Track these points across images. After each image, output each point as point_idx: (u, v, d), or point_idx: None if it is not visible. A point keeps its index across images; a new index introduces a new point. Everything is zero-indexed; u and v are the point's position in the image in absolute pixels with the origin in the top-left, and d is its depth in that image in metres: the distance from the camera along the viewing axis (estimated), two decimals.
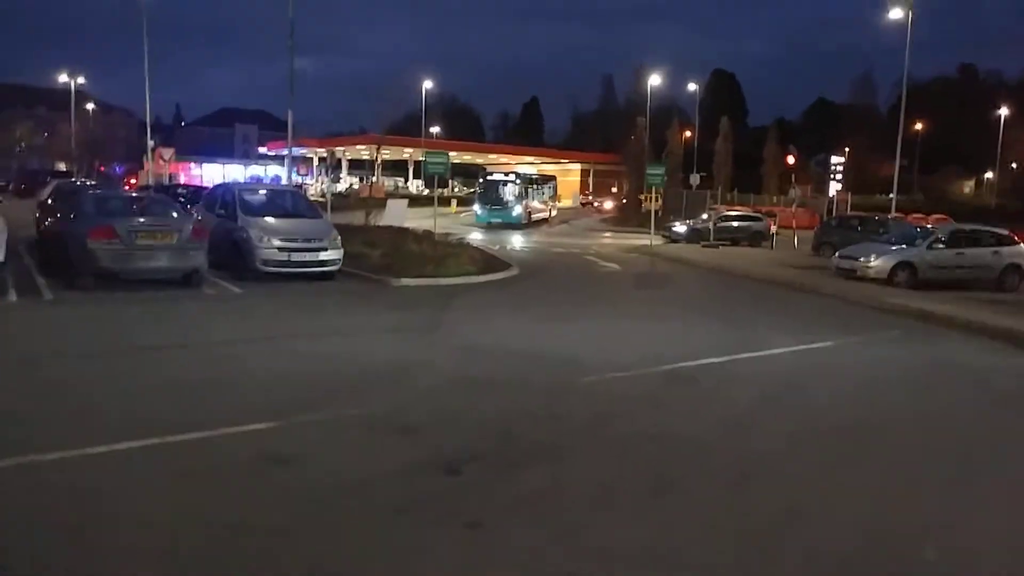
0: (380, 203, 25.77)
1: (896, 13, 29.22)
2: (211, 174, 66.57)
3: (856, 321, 12.28)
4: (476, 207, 37.82)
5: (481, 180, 39.18)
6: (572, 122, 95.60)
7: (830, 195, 42.39)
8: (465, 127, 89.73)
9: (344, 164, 65.94)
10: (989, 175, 61.03)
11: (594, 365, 7.90)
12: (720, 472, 5.11)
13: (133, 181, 37.71)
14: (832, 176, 63.36)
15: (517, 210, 36.40)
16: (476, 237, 25.36)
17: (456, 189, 68.03)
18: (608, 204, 54.74)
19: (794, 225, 29.99)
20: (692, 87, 61.15)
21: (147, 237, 11.07)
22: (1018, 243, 17.56)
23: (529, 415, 6.17)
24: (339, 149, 58.42)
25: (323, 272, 13.44)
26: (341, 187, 55.15)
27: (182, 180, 54.80)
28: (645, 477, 4.97)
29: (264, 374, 7.10)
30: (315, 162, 65.63)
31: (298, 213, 14.45)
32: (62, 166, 58.56)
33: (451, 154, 69.49)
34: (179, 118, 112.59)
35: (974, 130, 62.80)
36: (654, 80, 50.60)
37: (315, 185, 58.93)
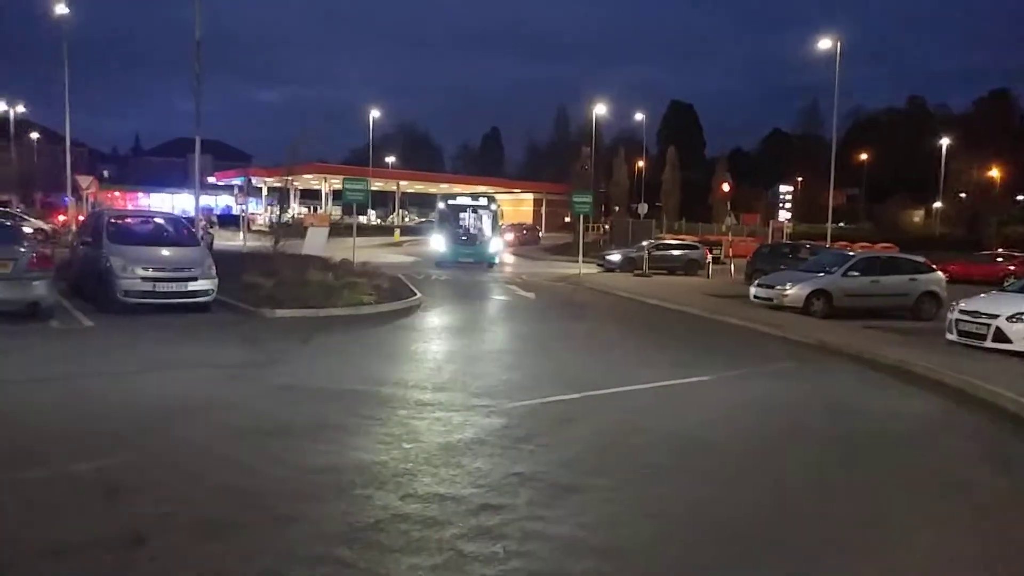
0: (298, 232, 24.90)
1: (825, 43, 29.49)
2: (160, 204, 65.11)
3: (750, 352, 11.71)
4: (436, 242, 28.68)
5: (442, 205, 29.66)
6: (527, 153, 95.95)
7: (771, 225, 42.51)
8: (424, 157, 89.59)
9: (293, 194, 64.95)
10: (938, 204, 61.99)
11: (426, 405, 7.22)
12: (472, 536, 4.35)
13: (62, 218, 36.18)
14: (781, 205, 64.12)
15: (493, 245, 28.21)
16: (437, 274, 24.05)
17: (407, 219, 67.52)
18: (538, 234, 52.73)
19: (730, 254, 29.79)
20: (639, 116, 61.29)
21: None
22: (935, 271, 17.28)
23: (295, 468, 5.38)
24: (289, 179, 57.47)
25: (194, 303, 12.59)
26: (287, 216, 54.15)
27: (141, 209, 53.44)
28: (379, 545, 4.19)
29: (17, 420, 6.24)
30: (264, 191, 64.59)
31: (172, 241, 13.61)
32: (4, 196, 56.92)
33: (403, 183, 69.07)
34: (138, 148, 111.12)
35: (922, 160, 63.97)
36: (599, 110, 50.63)
37: (263, 214, 57.88)
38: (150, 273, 12.19)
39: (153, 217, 16.28)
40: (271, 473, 5.32)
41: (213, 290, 12.93)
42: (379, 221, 65.56)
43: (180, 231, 14.38)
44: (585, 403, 7.74)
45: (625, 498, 5.14)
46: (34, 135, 60.05)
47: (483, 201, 29.61)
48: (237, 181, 56.35)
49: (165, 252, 12.94)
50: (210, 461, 5.52)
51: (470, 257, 27.49)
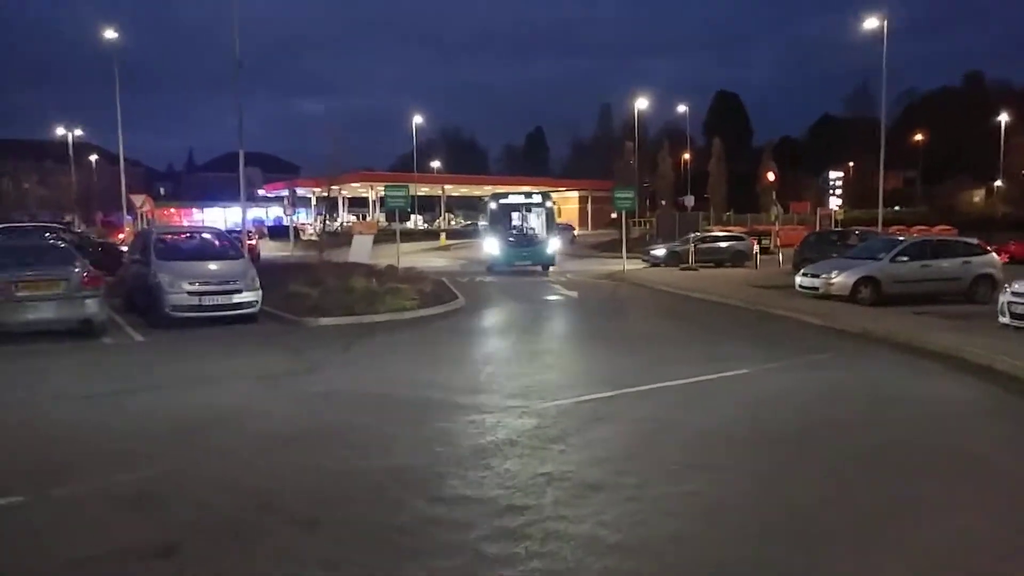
0: (346, 240, 25.40)
1: (872, 23, 28.67)
2: (213, 218, 67.06)
3: (792, 344, 11.49)
4: (490, 245, 26.47)
5: (493, 205, 27.18)
6: (572, 150, 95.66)
7: (818, 212, 41.42)
8: (469, 160, 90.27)
9: (342, 202, 66.20)
10: (999, 183, 59.51)
11: (460, 408, 7.30)
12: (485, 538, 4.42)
13: (121, 236, 37.53)
14: (831, 191, 62.46)
15: (551, 245, 26.15)
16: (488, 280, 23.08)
17: (453, 222, 68.01)
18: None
19: (778, 243, 29.18)
20: (682, 108, 60.48)
21: (29, 288, 10.65)
22: (989, 252, 16.65)
23: (326, 474, 5.53)
24: (335, 188, 58.51)
25: (240, 315, 12.99)
26: (336, 225, 55.25)
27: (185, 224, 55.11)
28: (390, 558, 4.29)
29: (63, 436, 6.56)
30: (313, 201, 65.91)
31: (216, 255, 14.05)
32: (67, 216, 59.54)
33: (448, 187, 69.70)
34: (191, 164, 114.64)
35: (981, 138, 61.52)
36: (642, 104, 50.17)
37: (314, 224, 59.07)
38: (196, 288, 12.60)
39: (198, 232, 16.82)
40: (301, 479, 5.47)
41: (258, 301, 13.29)
42: (426, 225, 66.26)
43: (224, 245, 14.82)
44: (619, 401, 7.73)
45: (650, 496, 5.13)
46: (93, 157, 62.66)
47: (537, 199, 27.51)
48: (286, 193, 57.69)
49: (210, 266, 13.35)
50: (244, 469, 5.69)
51: (526, 260, 25.71)
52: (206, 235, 15.75)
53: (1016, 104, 60.28)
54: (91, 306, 11.23)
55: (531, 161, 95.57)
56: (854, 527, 4.66)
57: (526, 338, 12.41)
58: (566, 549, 4.29)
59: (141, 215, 34.51)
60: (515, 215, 27.00)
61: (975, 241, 17.15)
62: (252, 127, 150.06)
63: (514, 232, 26.51)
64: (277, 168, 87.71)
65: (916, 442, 6.47)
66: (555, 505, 4.94)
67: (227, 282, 12.98)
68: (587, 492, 5.17)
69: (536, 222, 26.66)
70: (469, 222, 67.61)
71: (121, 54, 29.93)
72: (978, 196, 66.41)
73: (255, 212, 72.56)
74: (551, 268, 25.84)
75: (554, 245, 26.54)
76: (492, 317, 15.14)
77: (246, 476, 5.53)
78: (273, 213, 69.43)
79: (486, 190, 73.05)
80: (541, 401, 7.63)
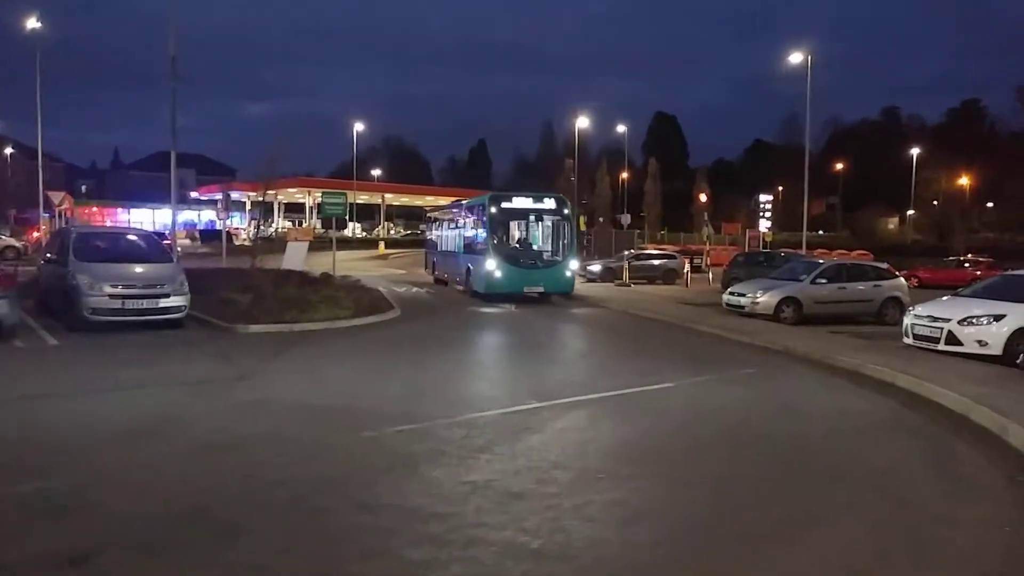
0: (280, 246, 24.98)
1: (797, 57, 30.03)
2: (140, 220, 64.74)
3: (715, 359, 11.92)
4: (483, 263, 19.77)
5: (493, 209, 20.10)
6: (514, 165, 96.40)
7: (747, 234, 43.04)
8: (411, 171, 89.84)
9: (278, 208, 64.98)
10: (911, 212, 62.93)
11: (390, 418, 7.32)
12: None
13: (36, 234, 35.94)
14: (761, 214, 64.85)
15: (570, 266, 20.75)
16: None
17: (393, 231, 67.53)
18: None
19: (709, 262, 30.10)
20: (622, 128, 61.84)
21: None
22: (897, 277, 17.65)
23: (247, 488, 5.51)
24: (272, 193, 57.37)
25: (166, 320, 12.66)
26: (271, 230, 54.15)
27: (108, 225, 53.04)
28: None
29: None
30: (248, 206, 64.46)
31: (143, 258, 13.68)
32: None
33: (388, 196, 68.98)
34: (118, 162, 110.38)
35: (896, 169, 64.90)
36: (583, 123, 51.10)
37: (247, 229, 57.74)
38: (119, 291, 12.24)
39: (123, 233, 16.31)
40: (226, 488, 5.42)
41: (185, 306, 13.00)
42: (364, 234, 65.57)
43: (152, 247, 14.42)
44: (547, 412, 7.89)
45: (570, 504, 5.30)
46: (8, 150, 59.77)
47: (551, 204, 20.82)
48: (220, 196, 56.23)
49: (135, 268, 13.00)
50: (165, 478, 5.61)
51: (538, 285, 19.93)
52: (132, 236, 15.29)
53: (928, 139, 63.97)
54: (1, 307, 10.80)
55: (474, 174, 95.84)
56: (763, 531, 4.93)
57: (458, 349, 12.50)
58: (486, 554, 4.41)
59: (60, 213, 33.07)
60: (520, 224, 21.41)
61: (885, 265, 18.19)
62: (189, 127, 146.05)
63: (520, 248, 20.74)
64: (212, 170, 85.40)
65: (821, 451, 6.89)
66: (478, 512, 5.06)
67: (153, 285, 12.64)
68: (510, 500, 5.30)
69: (550, 234, 21.21)
70: (409, 231, 67.32)
71: (47, 44, 28.72)
72: (893, 223, 70.00)
73: (187, 215, 70.54)
74: (570, 296, 20.98)
75: (573, 265, 21.01)
76: (423, 328, 15.12)
77: (168, 485, 5.45)
78: (206, 216, 67.46)
79: (428, 200, 72.61)
80: (471, 412, 7.74)
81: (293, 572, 4.17)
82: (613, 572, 4.35)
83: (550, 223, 20.99)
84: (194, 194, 69.43)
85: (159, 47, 18.77)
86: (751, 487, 5.86)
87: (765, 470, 6.29)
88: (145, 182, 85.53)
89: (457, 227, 23.64)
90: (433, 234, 28.10)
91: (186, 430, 6.84)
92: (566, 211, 20.67)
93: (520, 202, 20.67)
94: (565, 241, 20.50)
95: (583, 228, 26.24)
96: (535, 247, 21.14)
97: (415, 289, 23.35)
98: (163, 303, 12.57)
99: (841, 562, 4.49)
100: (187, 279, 13.39)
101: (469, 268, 21.12)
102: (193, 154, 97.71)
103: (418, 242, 56.92)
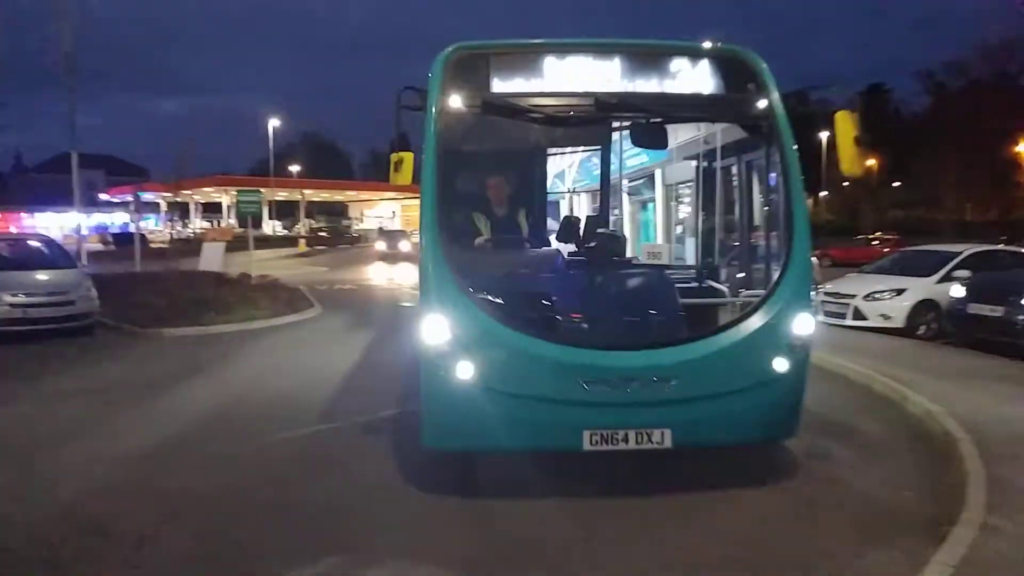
0: (197, 247, 24.20)
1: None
2: (46, 224, 61.55)
3: None
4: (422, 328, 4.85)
5: (454, 94, 4.94)
6: None
7: None
8: (332, 166, 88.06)
9: (195, 207, 62.88)
10: (824, 193, 65.53)
11: (305, 420, 7.14)
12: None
13: None
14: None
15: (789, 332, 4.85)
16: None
17: (313, 226, 66.14)
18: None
19: None
20: None
21: None
22: None
23: (155, 498, 5.34)
24: (187, 192, 55.46)
25: (74, 327, 12.12)
26: (189, 230, 52.36)
27: (12, 232, 50.20)
28: None
29: None
30: (162, 206, 62.15)
31: (45, 264, 13.04)
32: None
33: (307, 192, 67.40)
34: (20, 165, 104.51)
35: (807, 152, 67.35)
36: None
37: (162, 230, 55.70)
38: (20, 299, 11.67)
39: (23, 239, 15.52)
40: (133, 499, 5.24)
41: (93, 312, 12.50)
42: (285, 232, 64.08)
43: (54, 253, 13.75)
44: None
45: None
46: None
47: (709, 74, 5.18)
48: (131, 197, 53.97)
49: (37, 276, 12.40)
50: (69, 490, 5.36)
51: (643, 419, 4.69)
52: (33, 242, 14.52)
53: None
54: None
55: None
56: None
57: (378, 348, 12.21)
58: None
59: None
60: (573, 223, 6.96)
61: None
62: (97, 127, 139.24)
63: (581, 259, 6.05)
64: (124, 171, 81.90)
65: None
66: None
67: (57, 293, 12.09)
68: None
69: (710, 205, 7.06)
70: (332, 225, 66.15)
71: None
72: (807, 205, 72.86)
73: (99, 217, 67.45)
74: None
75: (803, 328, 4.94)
76: (347, 327, 14.78)
77: (72, 497, 5.21)
78: (120, 219, 64.68)
79: (349, 195, 71.37)
80: (387, 410, 7.55)
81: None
82: None
83: (714, 168, 6.98)
84: (105, 196, 66.40)
85: (59, 43, 17.77)
86: None
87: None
88: (50, 185, 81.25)
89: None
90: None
91: (92, 440, 6.55)
92: (767, 105, 5.20)
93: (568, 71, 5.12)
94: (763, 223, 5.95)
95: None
96: (626, 248, 6.72)
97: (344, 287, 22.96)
98: (68, 310, 12.03)
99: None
100: (97, 284, 12.91)
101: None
102: (102, 155, 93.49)
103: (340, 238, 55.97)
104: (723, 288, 6.17)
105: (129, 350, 11.30)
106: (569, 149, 9.68)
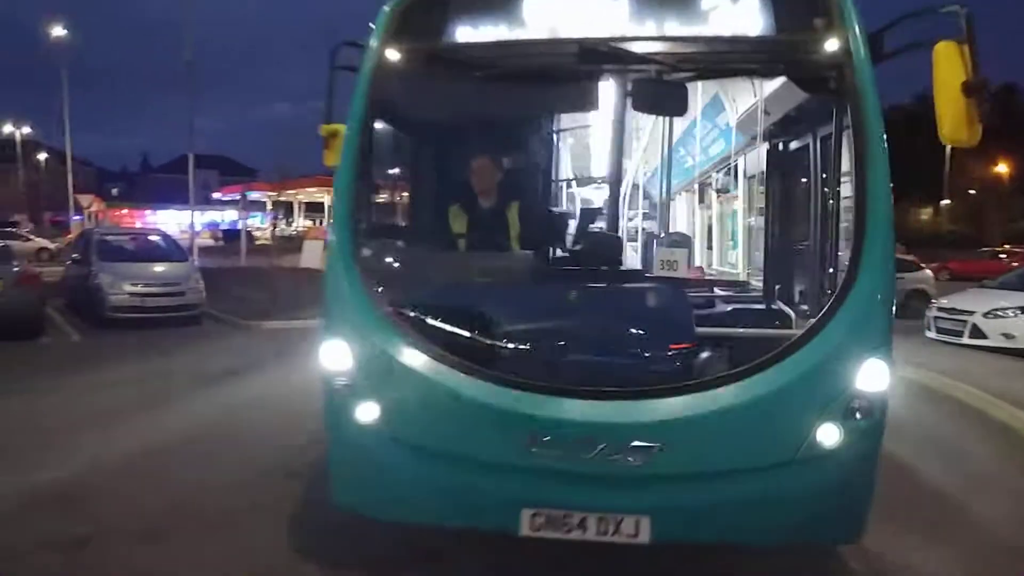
0: (299, 245, 25.15)
1: None
2: (167, 220, 65.80)
3: None
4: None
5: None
6: None
7: None
8: None
9: (298, 207, 65.52)
10: (946, 202, 61.48)
11: None
12: None
13: (70, 236, 36.51)
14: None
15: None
16: None
17: None
18: None
19: None
20: None
21: None
22: (923, 269, 17.32)
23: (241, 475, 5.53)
24: (291, 192, 57.92)
25: (184, 317, 12.94)
26: (291, 229, 54.71)
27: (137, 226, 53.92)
28: None
29: None
30: (268, 206, 65.13)
31: (161, 257, 14.01)
32: (15, 217, 57.79)
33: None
34: (147, 165, 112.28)
35: (929, 158, 63.36)
36: None
37: (267, 229, 58.37)
38: (139, 288, 12.58)
39: (144, 234, 16.67)
40: (212, 479, 5.42)
41: (200, 303, 13.32)
42: None
43: (170, 247, 14.74)
44: None
45: None
46: (42, 156, 61.08)
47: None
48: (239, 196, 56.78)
49: (154, 268, 13.34)
50: (165, 470, 5.64)
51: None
52: (151, 237, 15.65)
53: None
54: (28, 305, 11.06)
55: None
56: None
57: None
58: None
59: (90, 215, 33.74)
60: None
61: (910, 258, 17.80)
62: (212, 130, 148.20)
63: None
64: (235, 171, 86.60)
65: None
66: None
67: (170, 284, 12.99)
68: None
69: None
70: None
71: (77, 52, 29.41)
72: (926, 214, 68.50)
73: (211, 215, 71.58)
74: None
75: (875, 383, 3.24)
76: None
77: (169, 476, 5.48)
78: (230, 216, 68.35)
79: None
80: None
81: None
82: None
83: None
84: (217, 195, 70.28)
85: (182, 51, 19.10)
86: None
87: None
88: (171, 184, 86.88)
89: None
90: None
91: (176, 421, 6.89)
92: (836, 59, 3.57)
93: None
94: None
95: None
96: (622, 253, 4.97)
97: None
98: (179, 301, 12.92)
99: None
100: (205, 278, 13.82)
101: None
102: (216, 155, 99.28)
103: None
104: (790, 314, 4.31)
105: (227, 339, 11.99)
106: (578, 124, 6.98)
